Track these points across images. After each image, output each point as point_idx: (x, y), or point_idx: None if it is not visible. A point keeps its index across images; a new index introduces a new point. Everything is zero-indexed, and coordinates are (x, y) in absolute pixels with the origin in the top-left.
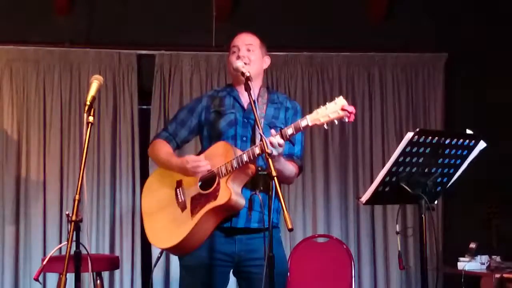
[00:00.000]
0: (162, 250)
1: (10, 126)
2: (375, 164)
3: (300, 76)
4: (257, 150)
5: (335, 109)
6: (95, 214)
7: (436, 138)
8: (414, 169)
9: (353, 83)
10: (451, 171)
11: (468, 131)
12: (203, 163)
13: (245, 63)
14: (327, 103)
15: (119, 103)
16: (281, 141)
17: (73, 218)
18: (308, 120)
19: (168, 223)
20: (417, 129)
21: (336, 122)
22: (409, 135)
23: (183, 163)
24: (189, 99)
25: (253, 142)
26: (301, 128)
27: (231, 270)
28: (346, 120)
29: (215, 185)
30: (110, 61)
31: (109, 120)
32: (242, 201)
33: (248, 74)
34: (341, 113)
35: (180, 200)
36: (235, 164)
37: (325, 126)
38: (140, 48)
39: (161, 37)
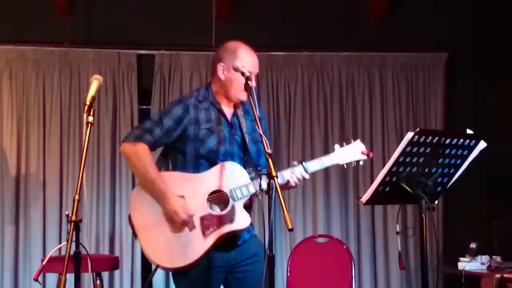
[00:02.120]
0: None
1: (10, 126)
2: (375, 164)
3: (300, 76)
4: (280, 181)
5: (355, 151)
6: (95, 214)
7: (436, 138)
8: (414, 169)
9: (353, 83)
10: (452, 171)
11: (468, 131)
12: (200, 209)
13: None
14: (344, 144)
15: (119, 103)
16: (307, 176)
17: (73, 218)
18: (332, 160)
19: (173, 241)
20: (417, 129)
21: (354, 164)
22: (409, 135)
23: (168, 206)
24: None
25: (238, 158)
26: (324, 167)
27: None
28: (361, 163)
29: (229, 208)
30: (110, 61)
31: (109, 120)
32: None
33: (248, 74)
34: (362, 156)
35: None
36: (252, 190)
37: (345, 166)
38: (140, 48)
39: (161, 37)
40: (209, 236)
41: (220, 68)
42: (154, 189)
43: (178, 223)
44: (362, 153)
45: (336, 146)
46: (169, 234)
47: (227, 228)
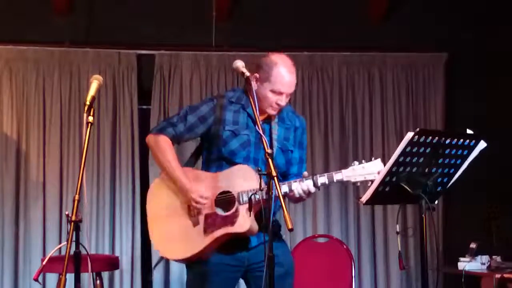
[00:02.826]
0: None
1: (10, 126)
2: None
3: (300, 76)
4: (284, 188)
5: (372, 171)
6: (95, 214)
7: (436, 138)
8: (414, 169)
9: (353, 83)
10: (452, 171)
11: (468, 131)
12: (206, 207)
13: (277, 108)
14: (363, 161)
15: (119, 103)
16: (313, 190)
17: (73, 218)
18: (343, 176)
19: (178, 234)
20: (417, 129)
21: (370, 183)
22: (409, 135)
23: (189, 192)
24: (189, 99)
25: (263, 164)
26: (334, 181)
27: (241, 275)
28: None
29: (233, 210)
30: (110, 61)
31: (109, 120)
32: (256, 229)
33: (248, 74)
34: (378, 177)
35: (193, 215)
36: (259, 197)
37: (358, 184)
38: (140, 48)
39: (161, 37)
40: (209, 234)
41: (254, 78)
42: (174, 180)
43: (197, 211)
44: (379, 173)
45: (355, 162)
46: (178, 228)
47: (226, 230)
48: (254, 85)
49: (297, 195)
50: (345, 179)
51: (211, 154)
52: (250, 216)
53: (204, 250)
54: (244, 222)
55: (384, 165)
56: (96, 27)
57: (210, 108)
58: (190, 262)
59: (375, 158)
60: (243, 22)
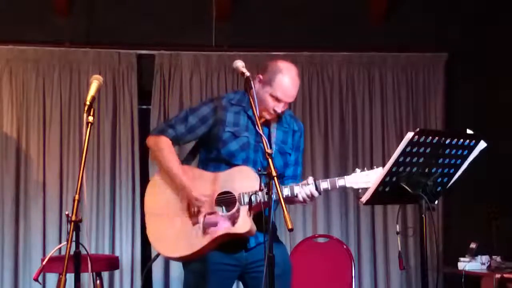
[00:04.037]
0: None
1: (10, 126)
2: (375, 164)
3: (300, 76)
4: (286, 191)
5: (374, 179)
6: (95, 214)
7: (436, 138)
8: (414, 169)
9: (353, 83)
10: (452, 171)
11: (468, 131)
12: (207, 207)
13: (275, 113)
14: (365, 169)
15: (119, 103)
16: (316, 194)
17: (73, 218)
18: (346, 182)
19: (176, 232)
20: (417, 129)
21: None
22: (409, 135)
23: (190, 191)
24: (189, 98)
25: (262, 166)
26: (337, 187)
27: (238, 275)
28: None
29: (234, 210)
30: (110, 61)
31: (109, 120)
32: (254, 230)
33: (248, 74)
34: (378, 177)
35: (193, 214)
36: (260, 198)
37: (360, 191)
38: (140, 48)
39: (161, 37)
40: (208, 234)
41: (258, 78)
42: (174, 179)
43: (197, 209)
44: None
45: (357, 170)
46: (176, 225)
47: (226, 230)
48: (256, 85)
49: (301, 199)
50: (347, 185)
51: (210, 154)
52: (250, 216)
53: (202, 249)
54: (245, 223)
55: (384, 165)
56: (96, 27)
57: (211, 109)
58: (187, 261)
59: (377, 166)
60: (243, 22)
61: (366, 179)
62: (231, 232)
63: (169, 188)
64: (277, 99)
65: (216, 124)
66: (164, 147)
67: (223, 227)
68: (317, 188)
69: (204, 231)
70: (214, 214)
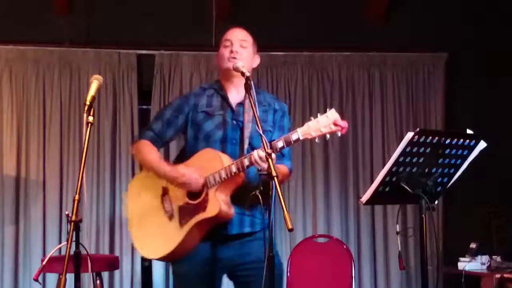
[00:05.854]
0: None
1: (10, 126)
2: (375, 164)
3: (300, 76)
4: (246, 162)
5: (327, 123)
6: (95, 214)
7: (436, 138)
8: (414, 169)
9: (353, 83)
10: (452, 171)
11: (468, 131)
12: (198, 180)
13: (234, 57)
14: (318, 115)
15: (119, 103)
16: (263, 154)
17: (73, 218)
18: (299, 133)
19: (155, 232)
20: (417, 129)
21: (328, 136)
22: (409, 135)
23: (176, 174)
24: None
25: (242, 144)
26: (292, 142)
27: (224, 275)
28: (339, 134)
29: (203, 195)
30: (110, 61)
31: (109, 120)
32: (231, 211)
33: (248, 74)
34: (334, 128)
35: (167, 209)
36: (223, 175)
37: (317, 140)
38: (140, 48)
39: (161, 37)
40: (184, 226)
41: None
42: (160, 174)
43: (198, 189)
44: (335, 124)
45: (312, 118)
46: (154, 226)
47: (199, 217)
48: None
49: (264, 166)
50: (302, 137)
51: (189, 143)
52: (217, 197)
53: (183, 243)
54: (213, 205)
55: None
56: (96, 27)
57: (184, 98)
58: (174, 259)
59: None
60: (243, 22)
61: (318, 125)
62: (203, 217)
63: (143, 189)
64: (228, 41)
65: (190, 110)
66: (142, 148)
67: (196, 215)
68: (272, 147)
69: (180, 224)
70: (186, 204)
